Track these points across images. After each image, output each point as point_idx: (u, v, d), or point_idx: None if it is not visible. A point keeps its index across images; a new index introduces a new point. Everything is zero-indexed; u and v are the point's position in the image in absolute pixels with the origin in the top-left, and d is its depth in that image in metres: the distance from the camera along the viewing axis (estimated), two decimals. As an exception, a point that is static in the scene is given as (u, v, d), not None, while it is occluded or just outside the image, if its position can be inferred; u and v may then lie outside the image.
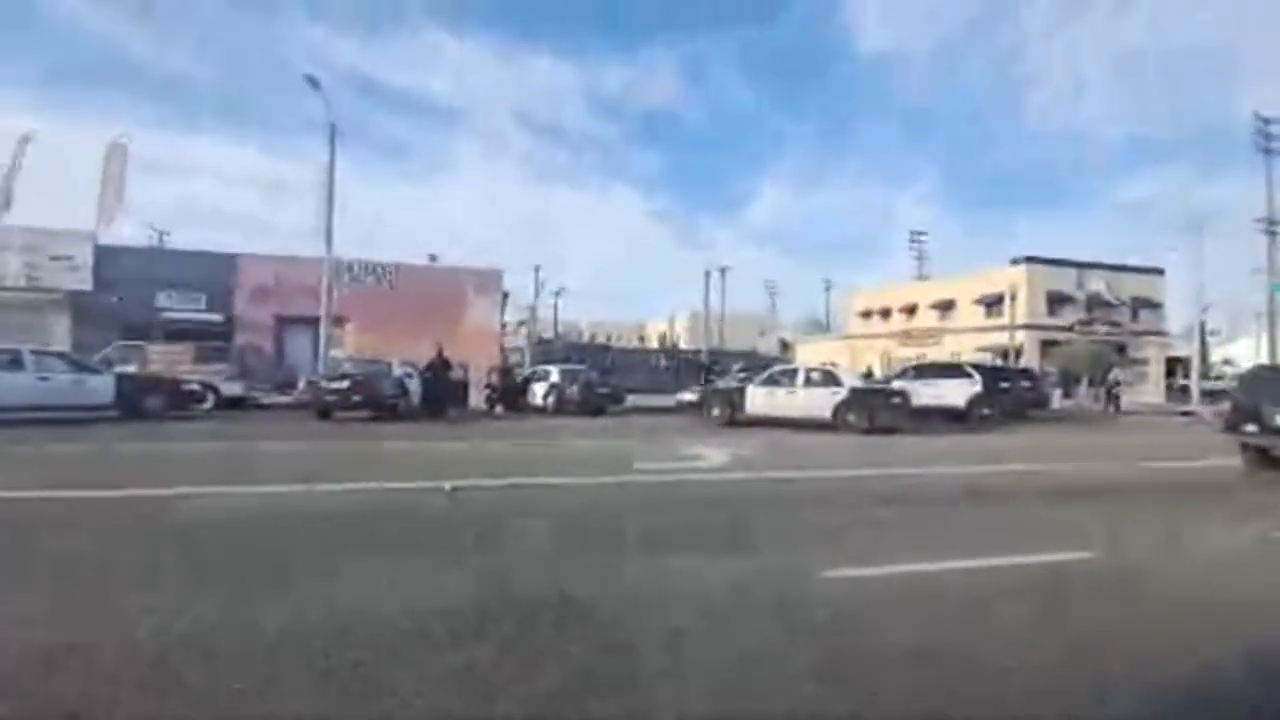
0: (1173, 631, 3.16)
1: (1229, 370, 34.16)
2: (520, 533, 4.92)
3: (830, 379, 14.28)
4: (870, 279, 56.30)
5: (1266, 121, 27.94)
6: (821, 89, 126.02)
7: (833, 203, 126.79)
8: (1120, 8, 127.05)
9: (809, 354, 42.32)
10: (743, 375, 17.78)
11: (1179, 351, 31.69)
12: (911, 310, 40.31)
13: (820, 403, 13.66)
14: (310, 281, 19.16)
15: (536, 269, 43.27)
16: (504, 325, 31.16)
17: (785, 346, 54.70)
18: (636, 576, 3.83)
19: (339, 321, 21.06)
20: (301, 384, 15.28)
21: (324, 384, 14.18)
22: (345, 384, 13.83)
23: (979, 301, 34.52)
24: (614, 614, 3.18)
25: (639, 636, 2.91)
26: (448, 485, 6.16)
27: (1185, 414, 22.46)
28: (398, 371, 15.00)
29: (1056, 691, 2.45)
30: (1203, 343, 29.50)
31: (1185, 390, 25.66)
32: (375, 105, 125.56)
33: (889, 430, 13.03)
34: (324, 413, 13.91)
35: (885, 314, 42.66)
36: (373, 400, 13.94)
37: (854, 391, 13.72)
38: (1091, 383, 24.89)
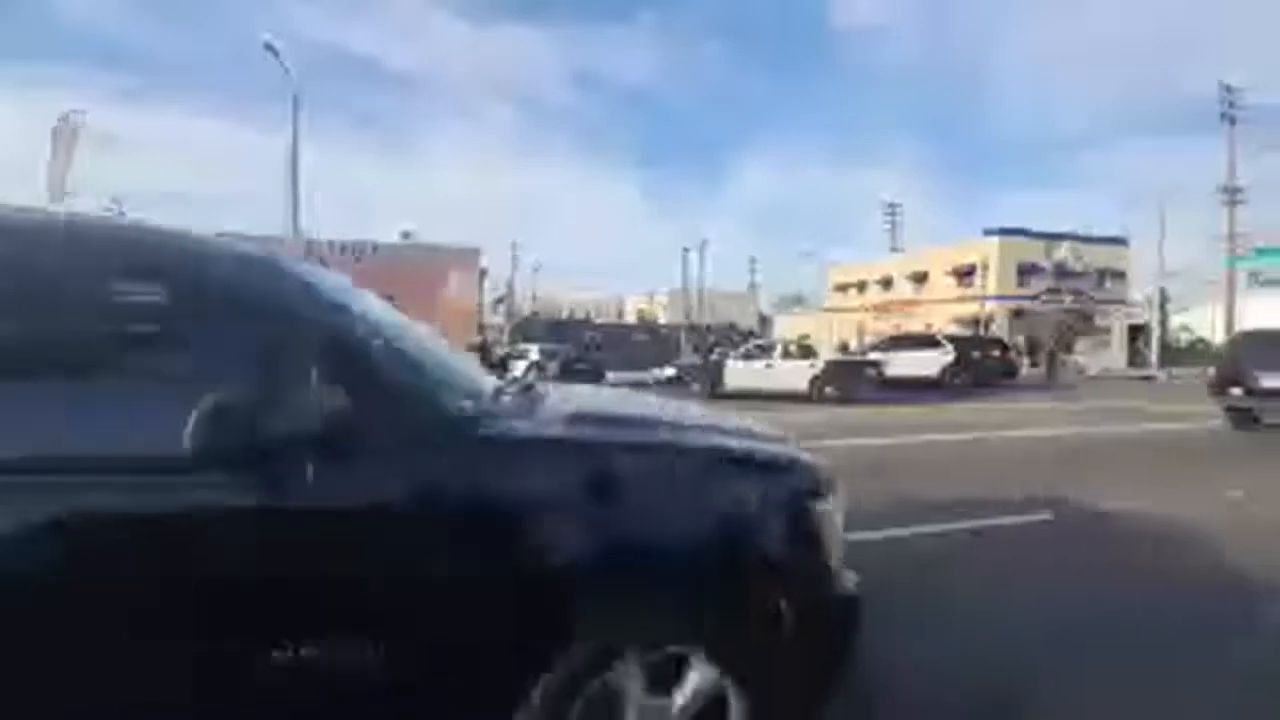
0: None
1: (1184, 337, 35.50)
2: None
3: (806, 352, 14.52)
4: (847, 253, 56.79)
5: (1230, 90, 28.54)
6: (798, 62, 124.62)
7: (810, 178, 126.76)
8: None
9: (788, 328, 42.80)
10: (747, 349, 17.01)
11: (1142, 319, 32.78)
12: (887, 283, 40.88)
13: (797, 375, 13.90)
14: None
15: (513, 245, 42.61)
16: (481, 304, 30.82)
17: (764, 321, 55.09)
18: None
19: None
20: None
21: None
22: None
23: (952, 273, 35.15)
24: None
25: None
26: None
27: (1146, 378, 23.41)
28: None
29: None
30: (1163, 310, 30.56)
31: (1145, 357, 26.66)
32: (344, 75, 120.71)
33: (864, 401, 13.34)
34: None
35: (861, 287, 43.22)
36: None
37: (830, 364, 13.98)
38: (1033, 351, 25.49)
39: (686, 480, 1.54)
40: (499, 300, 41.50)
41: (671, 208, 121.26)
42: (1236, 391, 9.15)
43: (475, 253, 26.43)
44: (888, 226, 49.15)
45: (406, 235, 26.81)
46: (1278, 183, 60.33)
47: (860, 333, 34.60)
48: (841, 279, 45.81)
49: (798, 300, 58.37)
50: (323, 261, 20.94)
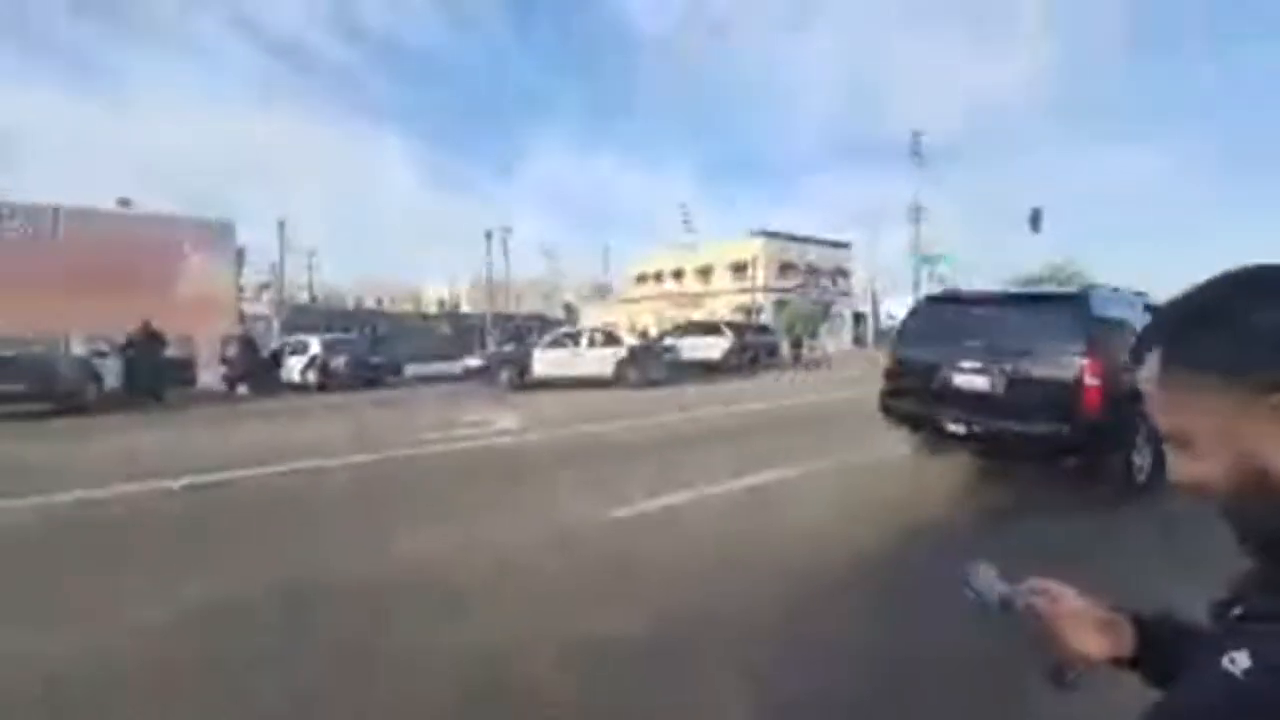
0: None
1: (891, 322, 45.95)
2: (281, 522, 4.45)
3: (611, 339, 15.29)
4: (644, 247, 60.44)
5: (916, 134, 37.22)
6: (593, 60, 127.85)
7: (607, 173, 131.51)
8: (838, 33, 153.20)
9: (592, 317, 44.19)
10: (555, 337, 16.70)
11: (862, 309, 41.44)
12: (679, 275, 44.76)
13: (603, 362, 14.58)
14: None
15: (281, 224, 36.32)
16: (241, 289, 25.93)
17: (570, 310, 56.01)
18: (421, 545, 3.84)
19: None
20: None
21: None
22: (-12, 370, 10.24)
23: (731, 267, 40.02)
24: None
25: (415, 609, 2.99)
26: (176, 484, 5.24)
27: (866, 358, 29.63)
28: (79, 350, 11.59)
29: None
30: (875, 302, 39.08)
31: (864, 339, 33.74)
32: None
33: (660, 382, 14.58)
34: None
35: (659, 278, 46.60)
36: (40, 390, 10.60)
37: (632, 350, 14.94)
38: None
39: None
40: (264, 287, 35.33)
41: (470, 196, 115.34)
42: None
43: (227, 227, 22.17)
44: (684, 223, 53.62)
45: (124, 203, 21.29)
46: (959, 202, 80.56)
47: (659, 321, 37.40)
48: (640, 270, 48.88)
49: (603, 290, 60.50)
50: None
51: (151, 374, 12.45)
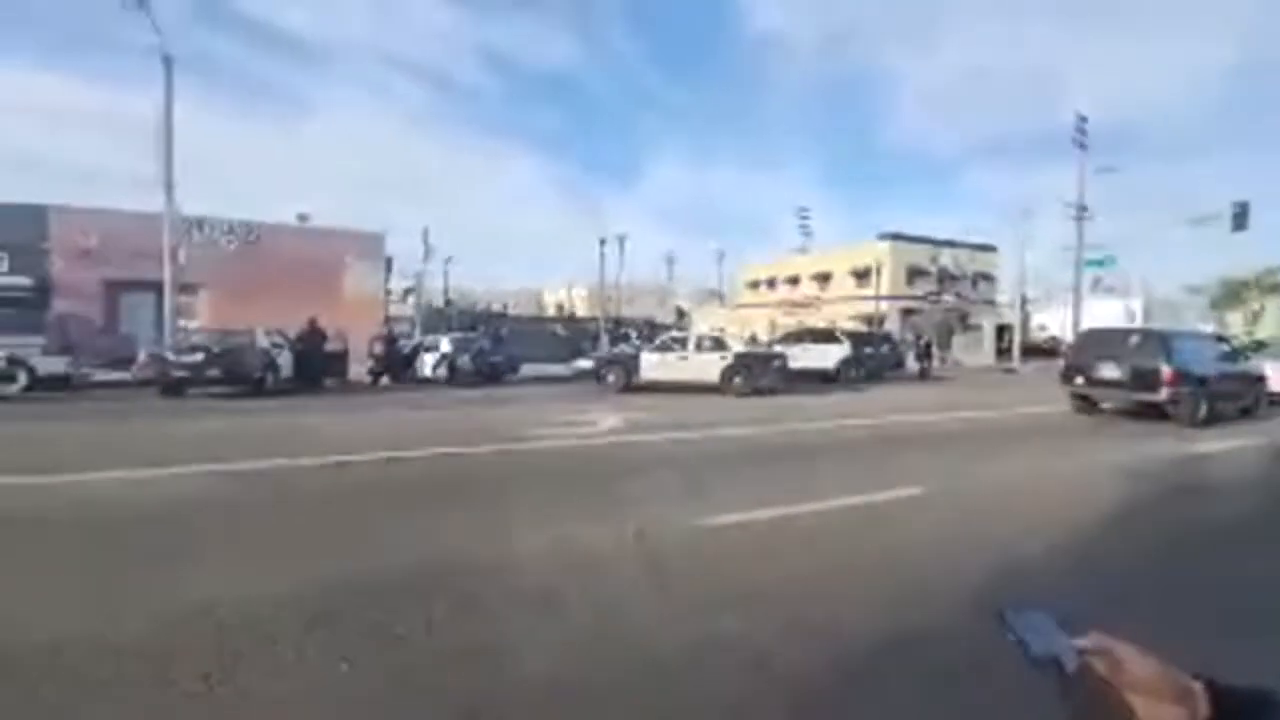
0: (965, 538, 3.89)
1: (1042, 334, 40.43)
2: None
3: (718, 345, 15.05)
4: (760, 252, 59.24)
5: (1083, 119, 32.62)
6: (715, 66, 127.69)
7: (725, 178, 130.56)
8: (974, 25, 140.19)
9: (704, 322, 44.01)
10: (662, 341, 17.01)
11: (1007, 319, 36.88)
12: (794, 281, 43.15)
13: (709, 367, 14.40)
14: (149, 241, 16.67)
15: (425, 232, 40.61)
16: (389, 292, 29.19)
17: (682, 315, 56.29)
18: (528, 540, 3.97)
19: (189, 288, 18.67)
20: (142, 358, 13.42)
21: (172, 357, 12.60)
22: (200, 357, 12.39)
23: (852, 273, 37.76)
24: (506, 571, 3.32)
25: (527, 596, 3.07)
26: (333, 460, 5.96)
27: (1008, 371, 26.37)
28: (263, 342, 13.68)
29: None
30: (1024, 311, 34.55)
31: (1009, 352, 29.97)
32: (235, 41, 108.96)
33: (770, 391, 14.09)
34: (173, 389, 12.42)
35: (772, 284, 45.32)
36: (235, 375, 12.64)
37: (739, 356, 14.60)
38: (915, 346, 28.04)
39: None
40: (408, 291, 39.49)
41: (590, 203, 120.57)
42: (1080, 381, 10.79)
43: (379, 238, 25.05)
44: (800, 228, 51.82)
45: (303, 219, 24.88)
46: (1113, 200, 69.85)
47: (772, 327, 36.32)
48: (753, 276, 47.84)
49: (715, 295, 60.14)
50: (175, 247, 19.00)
51: (314, 365, 14.41)
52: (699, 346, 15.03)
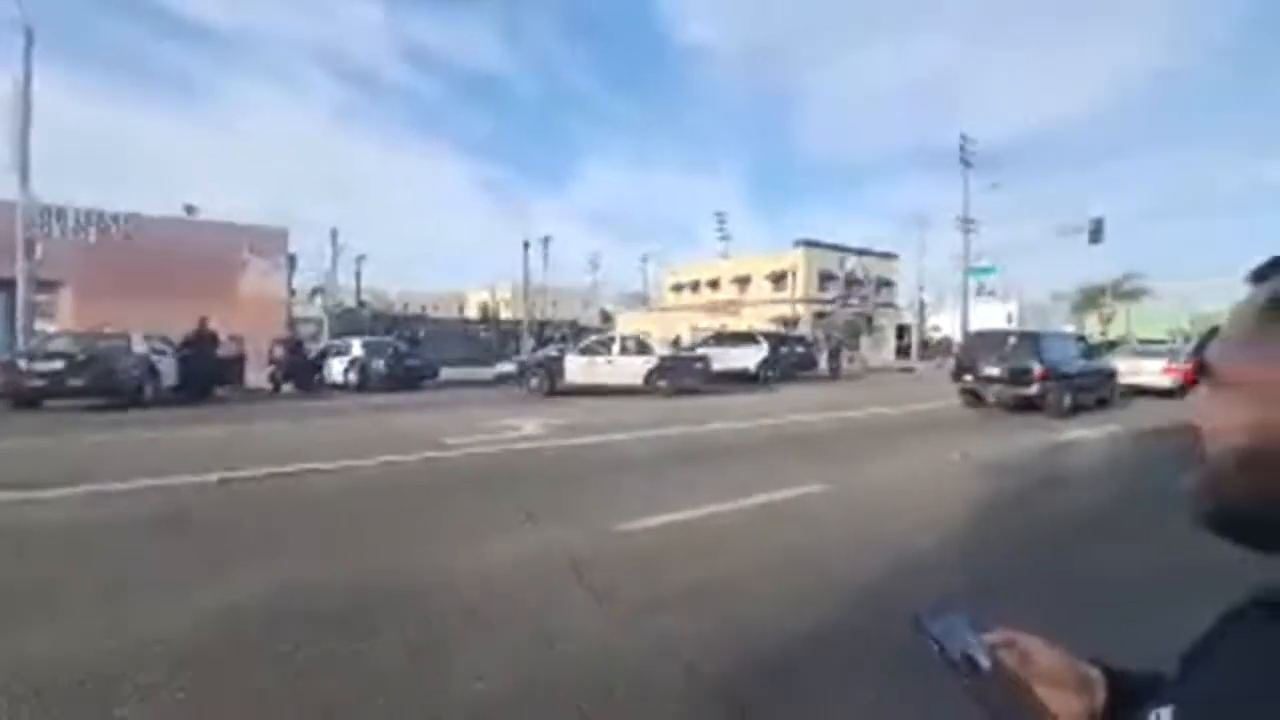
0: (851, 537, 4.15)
1: (935, 335, 44.16)
2: (291, 527, 4.53)
3: (643, 348, 15.21)
4: (685, 256, 60.50)
5: (965, 139, 35.86)
6: (646, 74, 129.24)
7: (654, 183, 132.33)
8: (882, 44, 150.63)
9: (628, 325, 44.30)
10: (587, 344, 16.78)
11: (907, 321, 40.03)
12: (715, 284, 44.40)
13: (634, 370, 14.52)
14: (0, 232, 14.52)
15: (334, 231, 37.98)
16: (293, 293, 27.16)
17: (606, 318, 56.30)
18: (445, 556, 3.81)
19: (48, 285, 16.48)
20: (-12, 366, 11.64)
21: (26, 365, 11.04)
22: (60, 364, 10.96)
23: (769, 277, 39.42)
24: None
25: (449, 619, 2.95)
26: (214, 477, 5.42)
27: (907, 370, 28.54)
28: (140, 347, 12.28)
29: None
30: (921, 314, 37.65)
31: (908, 351, 32.51)
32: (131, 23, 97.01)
33: (693, 391, 14.40)
34: (28, 402, 10.90)
35: (695, 288, 46.37)
36: (105, 384, 11.25)
37: (663, 359, 14.82)
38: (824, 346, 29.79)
39: None
40: (315, 291, 36.93)
41: (518, 205, 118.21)
42: (968, 378, 11.89)
43: (281, 234, 23.30)
44: (718, 233, 53.29)
45: (191, 210, 22.64)
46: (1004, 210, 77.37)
47: (694, 330, 37.14)
48: (677, 280, 48.76)
49: (640, 298, 60.63)
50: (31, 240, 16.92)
51: (204, 372, 13.12)
52: (624, 349, 15.12)
